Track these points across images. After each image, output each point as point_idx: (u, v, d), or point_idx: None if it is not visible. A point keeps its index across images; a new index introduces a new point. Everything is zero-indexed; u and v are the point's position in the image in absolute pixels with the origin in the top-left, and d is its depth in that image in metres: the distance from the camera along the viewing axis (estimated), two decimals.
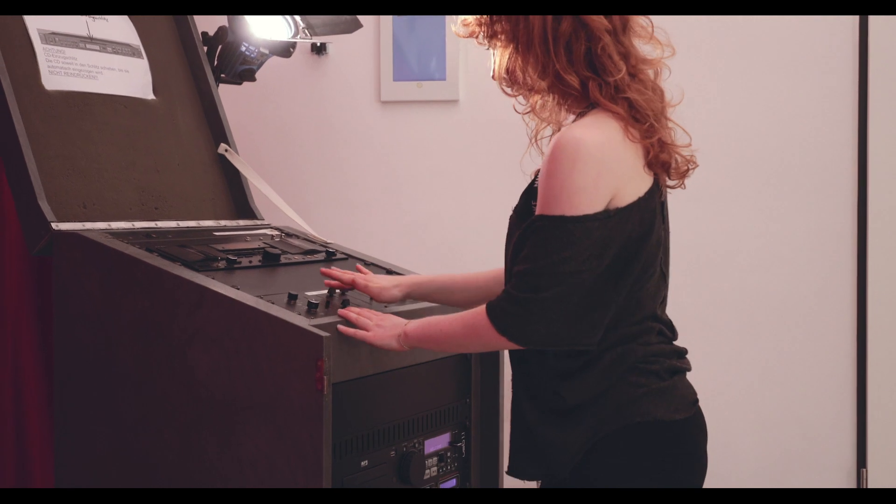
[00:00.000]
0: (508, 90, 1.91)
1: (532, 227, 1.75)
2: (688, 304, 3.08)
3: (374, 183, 3.31)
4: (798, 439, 3.17)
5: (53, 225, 2.12)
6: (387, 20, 3.28)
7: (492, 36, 1.88)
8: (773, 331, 3.17)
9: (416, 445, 2.16)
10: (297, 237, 2.54)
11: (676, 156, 1.83)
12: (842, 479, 3.16)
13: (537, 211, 1.77)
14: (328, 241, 2.54)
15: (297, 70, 3.23)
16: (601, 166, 1.72)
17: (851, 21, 3.12)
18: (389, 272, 2.41)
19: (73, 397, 2.12)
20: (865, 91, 3.14)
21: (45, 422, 2.55)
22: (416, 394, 2.17)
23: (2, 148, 2.19)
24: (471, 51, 3.25)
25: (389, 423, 2.09)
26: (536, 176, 1.89)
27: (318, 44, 3.22)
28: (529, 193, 1.87)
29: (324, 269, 2.14)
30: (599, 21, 1.78)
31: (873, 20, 3.12)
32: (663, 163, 1.80)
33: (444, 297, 2.14)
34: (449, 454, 2.26)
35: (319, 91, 3.31)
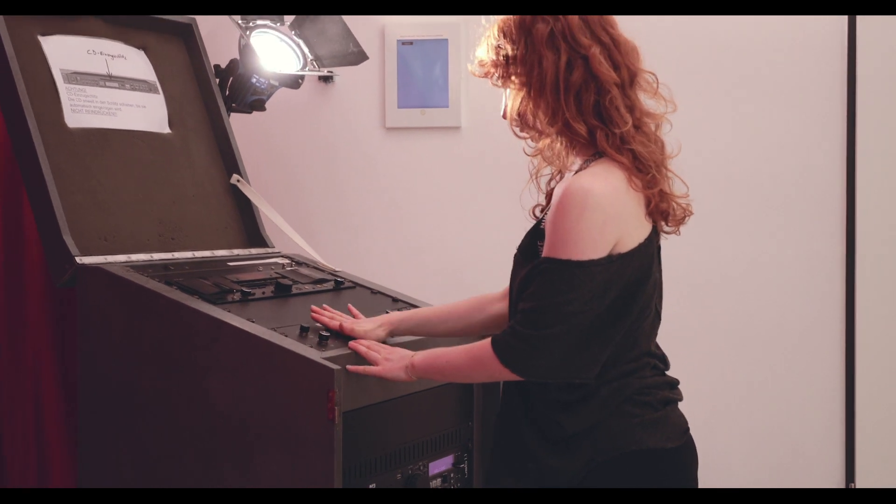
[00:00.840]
0: (518, 131, 2.03)
1: (539, 268, 1.87)
2: (682, 326, 3.19)
3: (379, 206, 3.42)
4: (788, 456, 3.28)
5: (77, 259, 2.24)
6: (391, 49, 3.39)
7: (505, 78, 1.99)
8: (765, 352, 3.28)
9: (421, 468, 2.28)
10: (307, 265, 2.65)
11: (674, 205, 1.95)
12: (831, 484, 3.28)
13: (545, 253, 1.88)
14: (336, 270, 2.66)
15: (305, 98, 3.34)
16: (607, 215, 1.84)
17: (840, 50, 3.23)
18: (395, 300, 2.53)
19: (97, 423, 2.24)
20: (853, 120, 3.25)
21: (66, 446, 2.67)
22: (420, 419, 2.28)
23: (28, 185, 2.30)
24: (472, 80, 3.35)
25: (396, 448, 2.20)
26: (543, 217, 2.01)
27: (326, 72, 3.32)
28: (535, 234, 1.99)
29: (314, 309, 2.23)
30: (609, 74, 1.89)
31: (861, 51, 3.23)
32: (662, 211, 1.93)
33: (427, 330, 2.25)
34: (452, 475, 2.37)
35: (326, 118, 3.42)
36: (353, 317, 2.24)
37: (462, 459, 2.40)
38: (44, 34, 2.46)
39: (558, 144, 2.01)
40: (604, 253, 1.84)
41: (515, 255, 2.02)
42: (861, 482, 3.23)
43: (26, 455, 2.62)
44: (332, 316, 2.21)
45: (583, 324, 1.83)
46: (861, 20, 3.20)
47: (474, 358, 1.94)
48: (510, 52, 1.95)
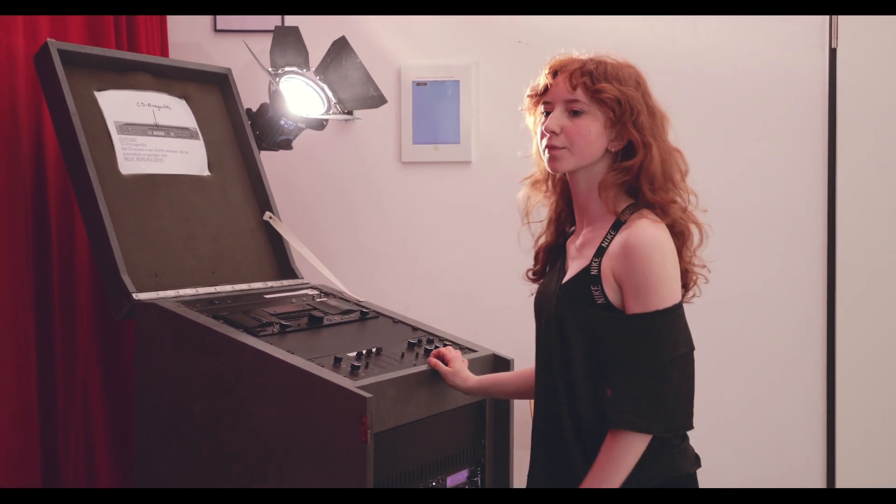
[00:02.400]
0: (557, 152, 2.11)
1: (632, 326, 2.01)
2: None
3: (395, 235, 3.69)
4: (773, 467, 3.55)
5: (134, 295, 2.51)
6: (407, 89, 3.66)
7: (596, 92, 2.09)
8: (752, 371, 3.56)
9: (440, 481, 2.55)
10: (334, 296, 2.92)
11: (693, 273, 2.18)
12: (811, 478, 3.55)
13: (632, 308, 2.01)
14: (360, 300, 2.93)
15: (326, 134, 3.60)
16: (676, 260, 2.05)
17: (822, 87, 3.51)
18: (414, 329, 2.80)
19: (152, 445, 2.51)
20: (834, 152, 3.52)
21: (110, 447, 2.95)
22: (439, 438, 2.55)
23: (88, 229, 2.57)
24: (482, 118, 3.63)
25: (418, 464, 2.47)
26: (592, 263, 2.09)
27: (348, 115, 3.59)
28: (587, 279, 2.08)
29: (431, 362, 2.51)
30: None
31: (841, 90, 3.50)
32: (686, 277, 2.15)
33: (500, 389, 2.48)
34: (468, 486, 2.64)
35: (346, 153, 3.69)
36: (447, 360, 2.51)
37: (476, 473, 2.67)
38: (99, 90, 2.73)
39: (587, 175, 2.13)
40: (680, 297, 2.06)
41: (560, 297, 2.10)
42: (840, 485, 3.51)
43: (77, 458, 2.90)
44: (439, 363, 2.51)
45: (691, 363, 2.03)
46: (840, 58, 3.48)
47: (610, 457, 2.01)
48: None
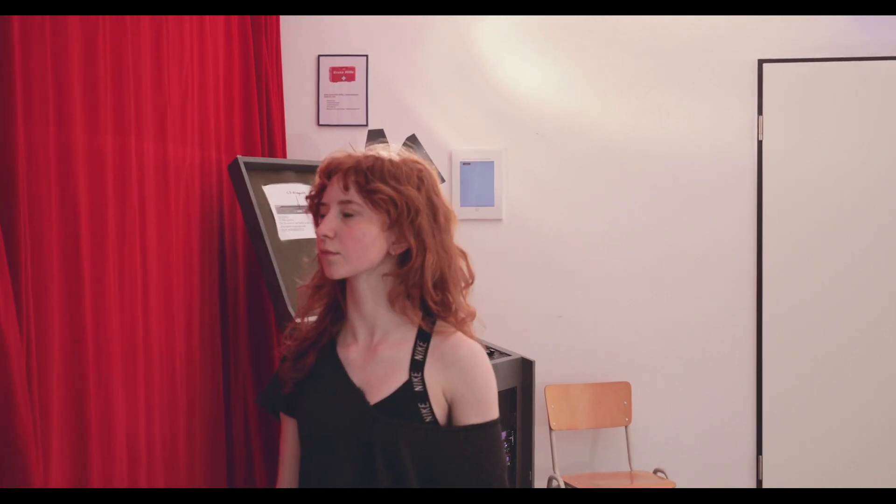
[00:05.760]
0: (332, 257, 2.00)
1: (472, 437, 1.95)
2: (645, 356, 4.93)
3: None
4: (713, 434, 5.00)
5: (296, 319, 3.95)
6: (456, 167, 5.10)
7: (369, 193, 1.98)
8: (700, 359, 5.01)
9: None
10: None
11: None
12: (745, 463, 4.97)
13: (473, 419, 1.95)
14: None
15: None
16: None
17: (752, 167, 4.95)
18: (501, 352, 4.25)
19: None
20: (761, 210, 4.97)
21: (262, 451, 4.35)
22: None
23: (265, 276, 4.02)
24: (510, 187, 5.07)
25: None
26: (411, 378, 1.97)
27: None
28: (412, 396, 1.96)
29: None
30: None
31: (765, 168, 4.94)
32: None
33: None
34: (505, 443, 4.09)
35: None
36: None
37: (511, 433, 4.12)
38: (265, 184, 4.18)
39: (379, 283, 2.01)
40: None
41: (383, 418, 1.96)
42: (766, 454, 4.94)
43: (241, 459, 4.33)
44: None
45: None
46: (765, 147, 4.92)
47: None
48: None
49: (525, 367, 4.16)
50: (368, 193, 1.97)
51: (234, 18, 4.34)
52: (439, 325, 2.02)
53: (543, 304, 4.97)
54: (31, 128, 2.73)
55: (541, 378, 4.63)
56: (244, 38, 4.44)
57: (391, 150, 2.05)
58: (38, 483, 2.51)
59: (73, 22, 2.97)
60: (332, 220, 2.00)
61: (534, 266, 4.96)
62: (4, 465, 2.45)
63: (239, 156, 4.10)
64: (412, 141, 4.75)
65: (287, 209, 4.24)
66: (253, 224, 4.04)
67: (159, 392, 3.53)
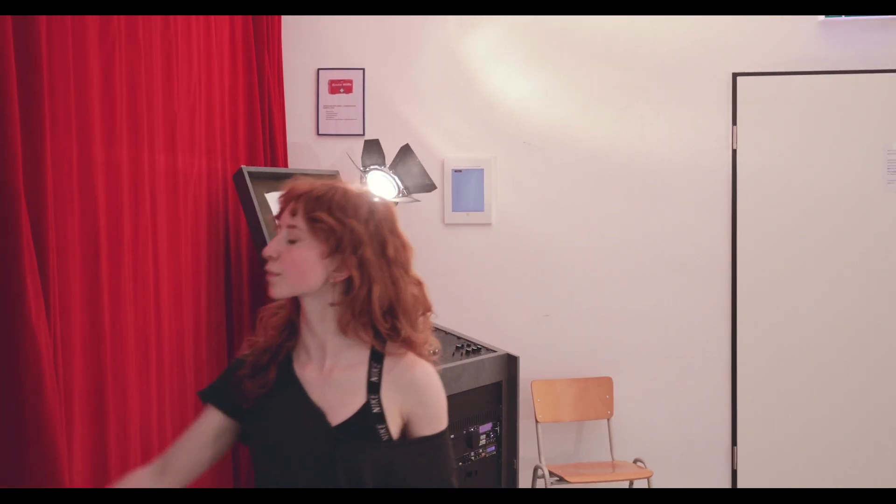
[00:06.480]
0: (272, 277, 2.07)
1: (427, 445, 2.09)
2: (621, 351, 5.23)
3: (439, 272, 5.41)
4: (690, 426, 5.29)
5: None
6: (448, 174, 5.39)
7: (312, 221, 2.05)
8: (677, 356, 5.30)
9: (474, 429, 4.28)
10: None
11: None
12: (721, 454, 5.26)
13: (425, 432, 2.09)
14: None
15: (398, 208, 5.33)
16: None
17: (727, 175, 5.24)
18: (458, 338, 4.53)
19: None
20: (735, 216, 5.26)
21: None
22: (476, 402, 4.29)
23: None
24: (499, 194, 5.36)
25: (464, 417, 4.20)
26: (369, 401, 2.06)
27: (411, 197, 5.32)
28: (370, 418, 2.06)
29: None
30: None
31: (739, 175, 5.23)
32: None
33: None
34: (491, 433, 4.38)
35: (409, 217, 5.39)
36: None
37: (497, 424, 4.41)
38: (267, 191, 4.48)
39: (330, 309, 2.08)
40: None
41: (344, 440, 2.05)
42: (741, 445, 5.23)
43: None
44: None
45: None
46: (739, 155, 5.21)
47: None
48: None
49: (510, 363, 4.45)
50: (311, 221, 2.05)
51: (239, 34, 4.64)
52: (390, 345, 2.10)
53: (531, 304, 5.27)
54: (57, 143, 3.02)
55: (527, 373, 4.92)
56: (247, 53, 4.73)
57: (355, 185, 2.14)
58: (64, 466, 2.80)
59: (93, 44, 3.26)
60: (277, 242, 2.09)
61: (522, 268, 5.26)
62: (35, 447, 2.74)
63: (243, 165, 4.39)
64: (405, 151, 5.04)
65: None
66: (256, 229, 4.33)
67: (169, 384, 3.82)
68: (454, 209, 5.39)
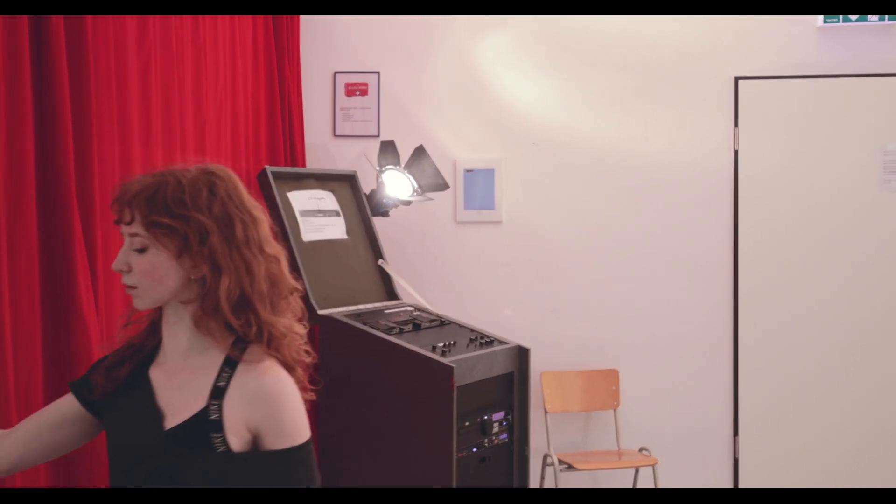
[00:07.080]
0: (131, 291, 1.96)
1: (273, 461, 1.90)
2: (626, 347, 5.43)
3: (453, 270, 5.61)
4: (694, 416, 5.49)
5: (318, 311, 4.45)
6: (460, 174, 5.59)
7: (151, 226, 1.92)
8: (681, 349, 5.50)
9: (488, 417, 4.48)
10: (423, 311, 4.86)
11: None
12: (723, 443, 5.46)
13: (273, 445, 1.91)
14: (440, 314, 4.86)
15: (413, 206, 5.52)
16: (300, 398, 2.00)
17: (729, 175, 5.44)
18: (472, 330, 4.73)
19: (335, 429, 4.45)
20: (737, 215, 5.46)
21: None
22: (488, 391, 4.49)
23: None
24: (509, 192, 5.56)
25: (477, 406, 4.40)
26: (208, 406, 1.92)
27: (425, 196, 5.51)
28: (205, 425, 1.90)
29: None
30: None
31: (741, 176, 5.43)
32: None
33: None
34: (504, 421, 4.58)
35: (424, 216, 5.60)
36: None
37: (509, 413, 4.61)
38: (289, 191, 4.68)
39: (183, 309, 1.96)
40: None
41: (172, 446, 1.91)
42: (742, 435, 5.43)
43: None
44: None
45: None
46: (740, 156, 5.41)
47: None
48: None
49: (521, 354, 4.65)
50: (151, 227, 1.91)
51: (261, 40, 4.85)
52: (250, 352, 1.96)
53: (540, 299, 5.47)
54: (102, 144, 3.23)
55: (537, 365, 5.12)
56: (269, 58, 4.94)
57: (184, 168, 1.97)
58: None
59: (132, 50, 3.46)
60: (124, 253, 1.95)
61: (531, 264, 5.46)
62: None
63: (267, 166, 4.60)
64: (419, 152, 5.24)
65: (309, 213, 4.74)
66: (280, 227, 4.52)
67: None
68: (466, 207, 5.59)
